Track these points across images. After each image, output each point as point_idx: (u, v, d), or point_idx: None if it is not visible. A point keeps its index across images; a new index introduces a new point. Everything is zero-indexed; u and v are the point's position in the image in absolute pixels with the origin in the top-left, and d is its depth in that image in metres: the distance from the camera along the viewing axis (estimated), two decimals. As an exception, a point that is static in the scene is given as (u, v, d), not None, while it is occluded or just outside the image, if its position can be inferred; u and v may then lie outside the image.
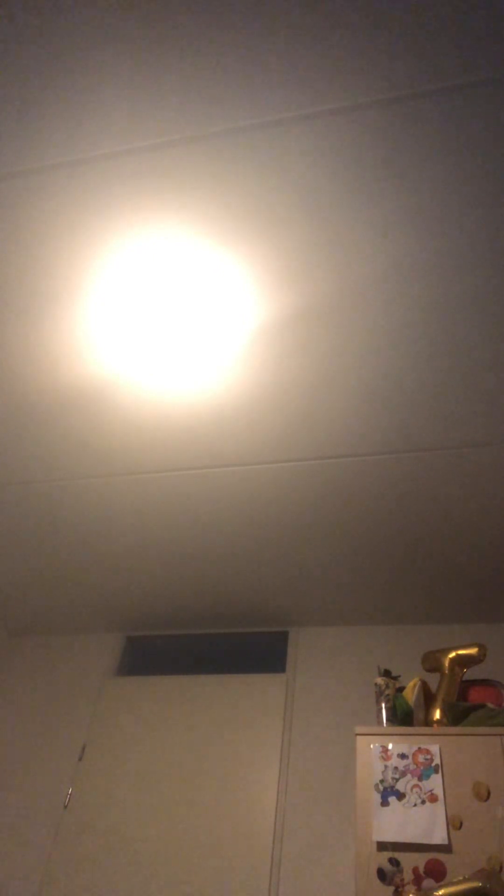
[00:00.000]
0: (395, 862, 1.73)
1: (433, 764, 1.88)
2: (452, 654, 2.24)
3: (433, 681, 2.58)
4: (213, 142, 1.40)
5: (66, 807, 2.63)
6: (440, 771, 1.86)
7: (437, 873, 1.69)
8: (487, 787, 1.80)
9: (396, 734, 1.98)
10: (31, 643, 3.32)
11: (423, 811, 1.79)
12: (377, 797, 1.85)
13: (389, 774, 1.89)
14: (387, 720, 2.08)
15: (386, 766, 1.91)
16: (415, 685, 2.18)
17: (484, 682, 2.24)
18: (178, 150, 1.43)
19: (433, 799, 1.81)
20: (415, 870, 1.71)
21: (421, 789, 1.83)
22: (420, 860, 1.72)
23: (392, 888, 1.69)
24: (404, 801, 1.82)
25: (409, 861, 1.72)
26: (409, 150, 1.37)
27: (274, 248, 1.57)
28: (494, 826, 1.72)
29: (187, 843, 2.42)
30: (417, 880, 1.69)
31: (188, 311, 1.73)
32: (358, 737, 2.01)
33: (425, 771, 1.87)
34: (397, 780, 1.87)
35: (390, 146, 1.37)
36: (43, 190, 1.52)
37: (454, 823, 1.76)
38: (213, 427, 2.06)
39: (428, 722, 2.12)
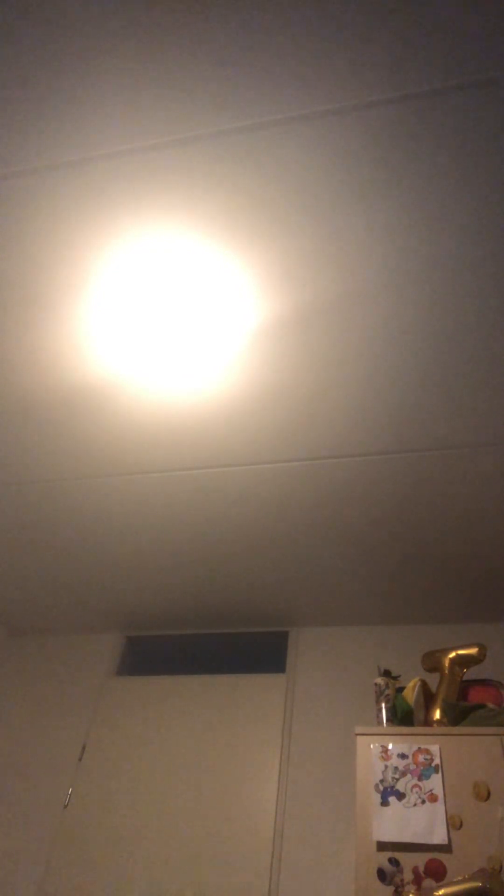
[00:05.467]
0: (395, 862, 1.73)
1: (433, 764, 1.88)
2: (452, 654, 2.24)
3: (433, 681, 2.58)
4: (213, 142, 1.40)
5: (66, 807, 2.63)
6: (440, 771, 1.86)
7: (437, 873, 1.69)
8: (487, 787, 1.80)
9: (396, 734, 1.98)
10: (32, 643, 3.32)
11: (423, 811, 1.79)
12: (377, 797, 1.85)
13: (389, 774, 1.89)
14: (387, 720, 2.08)
15: (386, 766, 1.91)
16: (415, 685, 2.18)
17: (484, 682, 2.24)
18: (178, 150, 1.43)
19: (433, 799, 1.81)
20: (415, 870, 1.71)
21: (421, 789, 1.83)
22: (420, 860, 1.72)
23: (392, 888, 1.69)
24: (404, 800, 1.82)
25: (409, 861, 1.72)
26: (409, 150, 1.37)
27: (274, 248, 1.57)
28: (494, 826, 1.72)
29: (187, 842, 2.42)
30: (417, 880, 1.69)
31: (188, 311, 1.73)
32: (358, 737, 2.01)
33: (425, 771, 1.87)
34: (397, 779, 1.87)
35: (390, 146, 1.37)
36: (43, 190, 1.52)
37: (454, 823, 1.76)
38: (213, 427, 2.06)
39: (428, 722, 2.12)
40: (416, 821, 1.78)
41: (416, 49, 1.24)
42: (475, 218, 1.46)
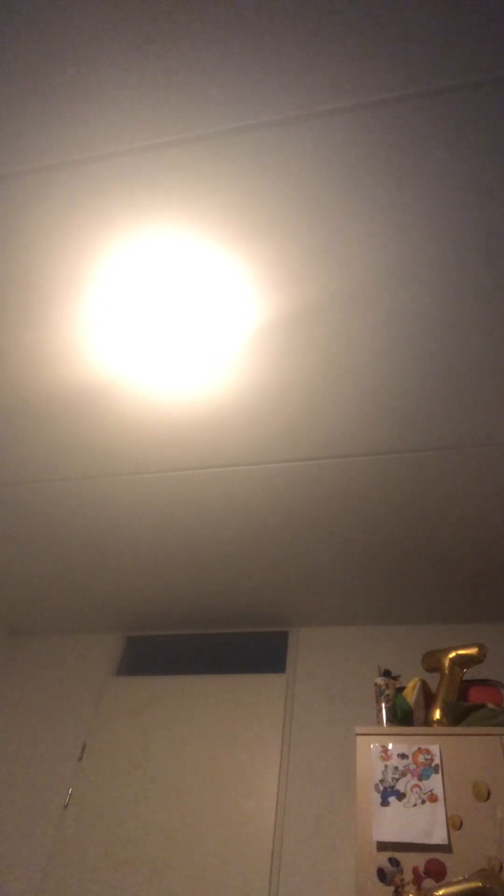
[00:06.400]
0: (395, 862, 1.73)
1: (433, 764, 1.88)
2: (452, 654, 2.24)
3: (433, 681, 2.58)
4: (213, 142, 1.40)
5: (66, 807, 2.63)
6: (440, 771, 1.86)
7: (437, 873, 1.69)
8: (487, 787, 1.80)
9: (396, 734, 1.98)
10: (32, 643, 3.32)
11: (423, 811, 1.79)
12: (377, 797, 1.85)
13: (389, 774, 1.89)
14: (387, 720, 2.08)
15: (386, 766, 1.91)
16: (415, 685, 2.18)
17: (484, 682, 2.24)
18: (178, 150, 1.43)
19: (433, 799, 1.81)
20: (415, 870, 1.71)
21: (421, 789, 1.83)
22: (420, 860, 1.72)
23: (392, 888, 1.69)
24: (404, 800, 1.82)
25: (409, 861, 1.72)
26: (409, 150, 1.37)
27: (274, 248, 1.57)
28: (494, 826, 1.72)
29: (187, 842, 2.42)
30: (417, 880, 1.69)
31: (188, 311, 1.73)
32: (358, 737, 2.01)
33: (425, 771, 1.87)
34: (397, 779, 1.87)
35: (390, 146, 1.37)
36: (43, 190, 1.52)
37: (454, 823, 1.76)
38: (213, 427, 2.06)
39: (428, 722, 2.12)
40: (416, 821, 1.78)
41: (416, 49, 1.24)
42: (475, 217, 1.46)
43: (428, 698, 2.21)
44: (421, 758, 1.90)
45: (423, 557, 2.48)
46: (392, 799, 1.84)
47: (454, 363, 1.77)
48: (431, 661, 2.30)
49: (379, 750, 1.95)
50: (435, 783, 1.83)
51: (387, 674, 2.22)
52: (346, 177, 1.43)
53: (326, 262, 1.58)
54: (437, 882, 1.67)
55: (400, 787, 1.85)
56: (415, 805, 1.81)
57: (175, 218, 1.53)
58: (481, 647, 2.22)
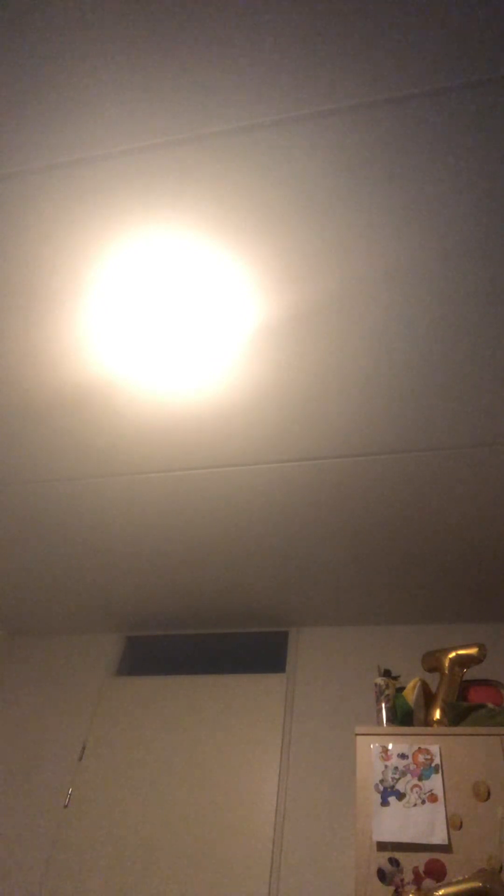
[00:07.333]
0: (395, 862, 1.73)
1: (433, 764, 1.88)
2: (452, 654, 2.24)
3: (433, 681, 2.58)
4: (213, 142, 1.40)
5: (66, 807, 2.63)
6: (440, 771, 1.86)
7: (437, 873, 1.69)
8: (487, 787, 1.80)
9: (396, 734, 1.99)
10: (31, 643, 3.32)
11: (423, 811, 1.79)
12: (377, 797, 1.85)
13: (389, 774, 1.89)
14: (387, 720, 2.08)
15: (386, 766, 1.91)
16: (415, 685, 2.18)
17: (484, 682, 2.24)
18: (178, 150, 1.43)
19: (433, 799, 1.81)
20: (415, 870, 1.71)
21: (421, 789, 1.83)
22: (420, 860, 1.72)
23: (392, 888, 1.69)
24: (404, 800, 1.83)
25: (409, 861, 1.72)
26: (409, 150, 1.37)
27: (274, 248, 1.57)
28: (494, 826, 1.72)
29: (187, 842, 2.42)
30: (417, 880, 1.69)
31: (188, 311, 1.73)
32: (358, 737, 2.01)
33: (425, 771, 1.87)
34: (397, 780, 1.87)
35: (390, 146, 1.37)
36: (43, 190, 1.52)
37: (454, 823, 1.76)
38: (213, 427, 2.06)
39: (428, 722, 2.12)
40: (416, 821, 1.78)
41: (417, 49, 1.24)
42: (475, 218, 1.46)
43: (428, 698, 2.21)
44: (421, 758, 1.90)
45: (423, 557, 2.48)
46: (392, 799, 1.84)
47: (454, 363, 1.78)
48: (431, 661, 2.30)
49: (379, 750, 1.95)
50: (435, 783, 1.83)
51: (387, 674, 2.22)
52: (347, 177, 1.43)
53: (326, 262, 1.58)
54: (437, 882, 1.67)
55: (400, 787, 1.85)
56: (415, 805, 1.81)
57: (175, 217, 1.53)
58: (481, 647, 2.22)
